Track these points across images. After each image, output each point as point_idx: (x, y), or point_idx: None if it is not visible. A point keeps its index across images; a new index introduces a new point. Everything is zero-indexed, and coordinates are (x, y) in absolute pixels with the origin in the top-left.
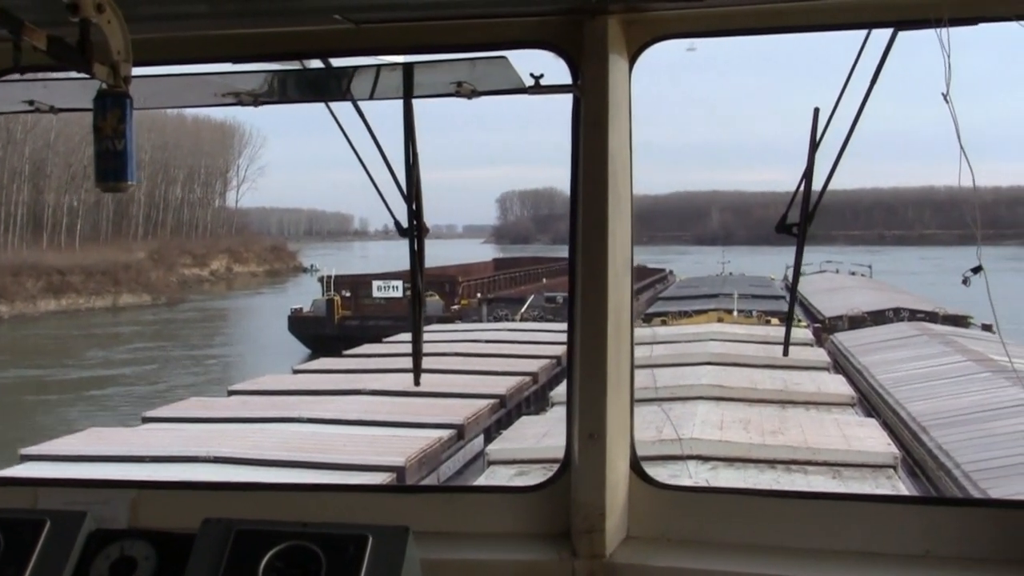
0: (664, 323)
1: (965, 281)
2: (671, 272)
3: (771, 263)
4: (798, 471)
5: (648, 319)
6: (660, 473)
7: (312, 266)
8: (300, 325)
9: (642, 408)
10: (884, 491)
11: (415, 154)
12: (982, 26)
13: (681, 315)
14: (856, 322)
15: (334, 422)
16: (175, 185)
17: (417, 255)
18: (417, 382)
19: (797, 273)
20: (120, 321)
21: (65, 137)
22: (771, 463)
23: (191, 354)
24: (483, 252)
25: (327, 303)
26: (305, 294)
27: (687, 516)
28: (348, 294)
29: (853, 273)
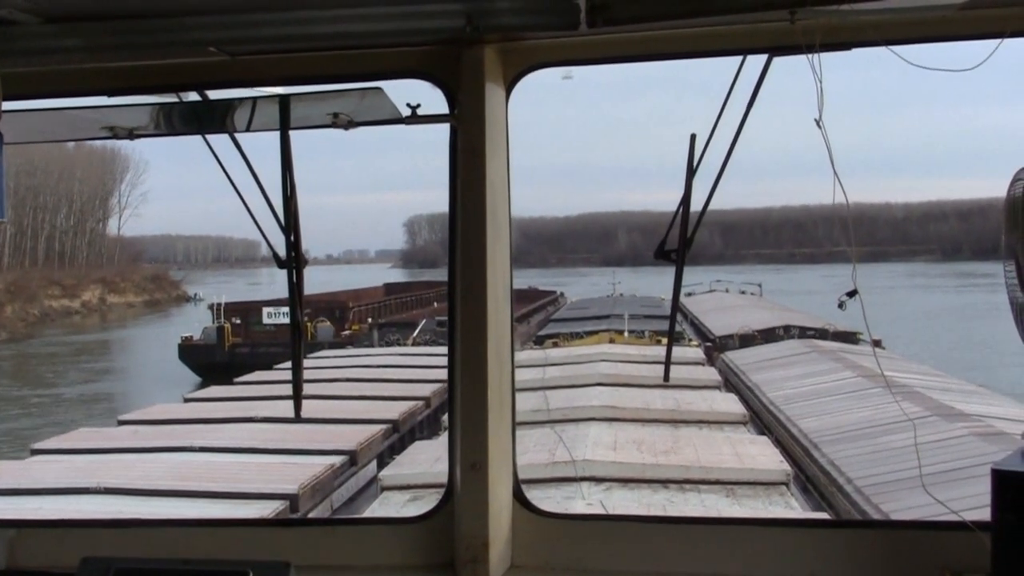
0: (556, 345)
1: (841, 305)
2: (562, 294)
3: (687, 283)
4: (692, 490)
5: (540, 341)
6: (554, 495)
7: (196, 295)
8: (190, 353)
9: (535, 431)
10: (777, 508)
11: (293, 186)
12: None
13: (573, 336)
14: (746, 340)
15: (226, 450)
16: (45, 212)
17: (296, 286)
18: (298, 414)
19: (676, 298)
20: None
21: None
22: (665, 483)
23: (38, 393)
24: (391, 276)
25: (217, 330)
26: (185, 325)
27: (571, 544)
28: (238, 321)
29: (743, 292)
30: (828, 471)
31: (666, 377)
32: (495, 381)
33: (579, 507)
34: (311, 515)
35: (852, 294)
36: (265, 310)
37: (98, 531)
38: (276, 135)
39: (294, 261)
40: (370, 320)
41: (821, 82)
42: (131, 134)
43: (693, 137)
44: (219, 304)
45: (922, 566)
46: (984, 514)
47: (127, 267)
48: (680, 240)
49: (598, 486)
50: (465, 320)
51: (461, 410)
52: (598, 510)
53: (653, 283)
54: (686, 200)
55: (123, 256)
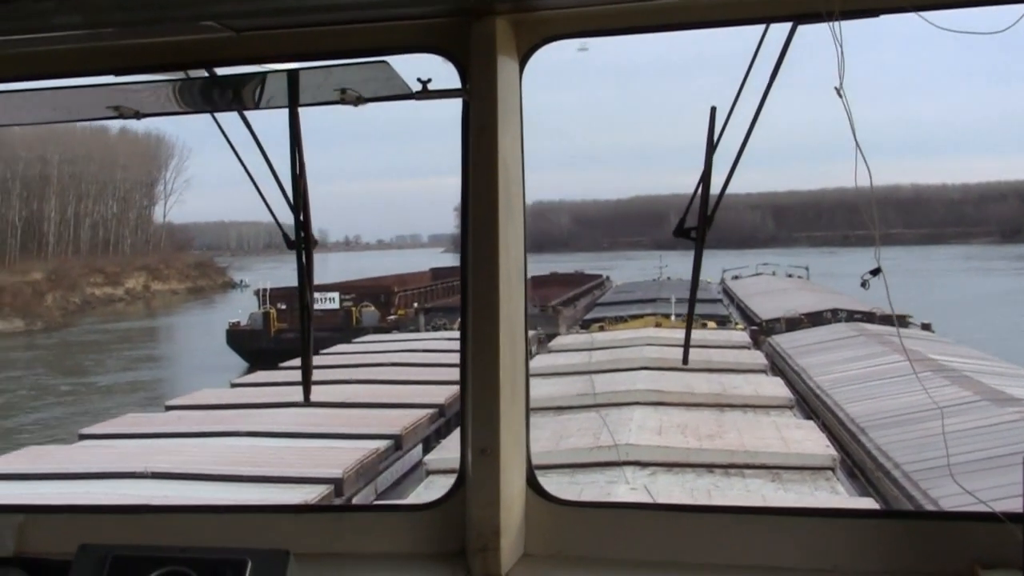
0: (602, 329)
1: (864, 284)
2: (608, 278)
3: (729, 266)
4: (736, 475)
5: (586, 325)
6: (598, 479)
7: (242, 281)
8: (237, 339)
9: (579, 414)
10: (823, 493)
11: (302, 165)
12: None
13: (618, 320)
14: (793, 324)
15: (272, 435)
16: (88, 200)
17: (305, 268)
18: (307, 398)
19: (696, 277)
20: None
21: None
22: (709, 467)
23: (72, 382)
24: (442, 261)
25: (263, 316)
26: (231, 311)
27: (585, 532)
28: (284, 307)
29: (790, 275)
30: (875, 456)
31: (684, 360)
32: (508, 366)
33: (622, 491)
34: (355, 499)
35: (875, 272)
36: None
37: (105, 516)
38: (303, 115)
39: (303, 242)
40: (416, 305)
41: (842, 50)
42: (137, 114)
43: (713, 111)
44: (265, 290)
45: (951, 558)
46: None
47: (172, 254)
48: (700, 218)
49: (642, 471)
50: (477, 303)
51: (473, 395)
52: (642, 495)
53: (705, 267)
54: (706, 177)
55: (171, 243)
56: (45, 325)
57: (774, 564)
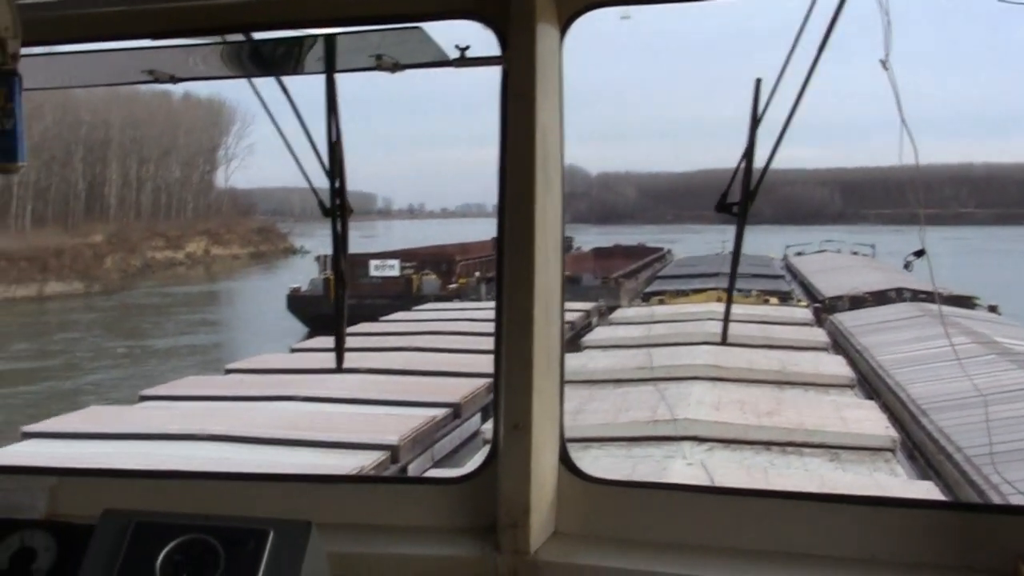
0: (662, 302)
1: (907, 266)
2: (669, 251)
3: (793, 242)
4: (794, 453)
5: (646, 298)
6: (654, 454)
7: (303, 247)
8: (298, 304)
9: (637, 388)
10: (882, 474)
11: (339, 131)
12: None
13: (679, 294)
14: (857, 302)
15: (330, 400)
16: (149, 164)
17: (340, 236)
18: (340, 366)
19: (737, 253)
20: (45, 310)
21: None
22: (767, 445)
23: (129, 344)
24: None
25: (323, 282)
26: (291, 277)
27: (618, 512)
28: None
29: (855, 253)
30: (936, 439)
31: (724, 338)
32: (542, 339)
33: (679, 466)
34: (411, 467)
35: (920, 254)
36: (372, 262)
37: (135, 481)
38: (347, 81)
39: (339, 209)
40: (477, 274)
41: (888, 18)
42: (173, 78)
43: (758, 83)
44: (326, 256)
45: (995, 553)
46: None
47: (233, 219)
48: (742, 193)
49: (699, 446)
50: (511, 275)
51: (506, 369)
52: (698, 470)
53: (772, 242)
54: (749, 151)
55: (234, 208)
56: (103, 287)
57: (809, 552)
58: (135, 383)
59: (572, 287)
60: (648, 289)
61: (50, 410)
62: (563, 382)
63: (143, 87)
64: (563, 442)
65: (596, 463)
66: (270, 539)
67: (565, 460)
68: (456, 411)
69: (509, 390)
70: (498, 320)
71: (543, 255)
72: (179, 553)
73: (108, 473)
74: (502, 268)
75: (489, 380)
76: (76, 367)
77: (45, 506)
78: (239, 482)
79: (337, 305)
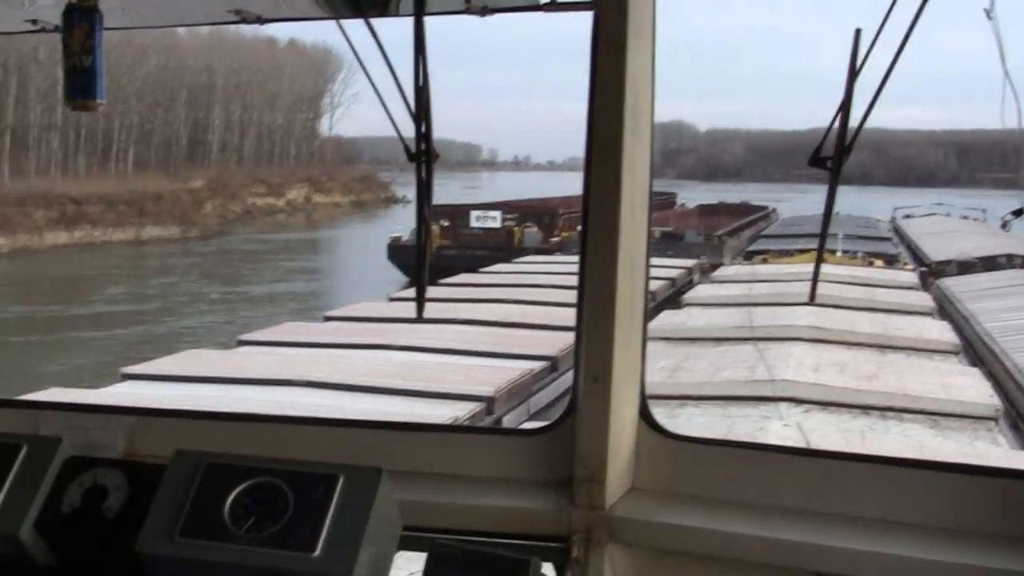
0: (765, 261)
1: (1005, 225)
2: (774, 210)
3: (903, 204)
4: (893, 418)
5: (749, 257)
6: (751, 414)
7: (404, 196)
8: (399, 253)
9: (736, 347)
10: (983, 443)
11: (426, 75)
12: None
13: (783, 254)
14: (965, 267)
15: (427, 350)
16: (253, 110)
17: (425, 182)
18: (420, 315)
19: (829, 210)
20: (142, 255)
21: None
22: (866, 409)
23: (224, 290)
24: None
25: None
26: (392, 226)
27: (697, 469)
28: (447, 223)
29: (964, 217)
30: None
31: (812, 297)
32: (625, 292)
33: (775, 428)
34: (506, 419)
35: (1018, 213)
36: (473, 213)
37: (210, 423)
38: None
39: (424, 155)
40: (580, 227)
41: None
42: (259, 19)
43: (857, 33)
44: None
45: None
46: None
47: (336, 167)
48: (837, 148)
49: (797, 408)
50: (596, 226)
51: (587, 321)
52: (794, 432)
53: (882, 204)
54: (846, 105)
55: (338, 156)
56: (201, 233)
57: (892, 518)
58: (228, 329)
59: (675, 243)
60: (751, 248)
61: (142, 354)
62: (645, 337)
63: (247, 33)
64: (643, 397)
65: (692, 421)
66: (339, 484)
67: (645, 415)
68: (553, 364)
69: (589, 342)
70: (581, 272)
71: (629, 207)
72: (248, 496)
73: (187, 414)
74: (587, 218)
75: None
76: (171, 312)
77: (124, 445)
78: (313, 427)
79: (419, 253)
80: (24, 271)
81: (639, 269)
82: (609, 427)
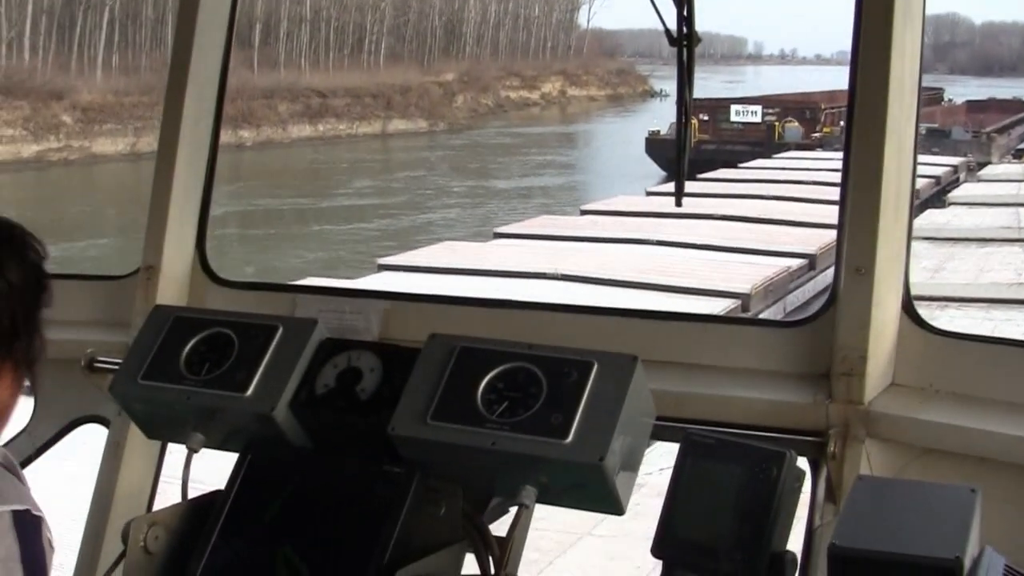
0: None
1: None
2: None
3: None
4: None
5: (1019, 155)
6: (1015, 317)
7: (662, 90)
8: (656, 147)
9: (1002, 249)
10: None
11: None
12: None
13: None
14: None
15: (683, 245)
16: (509, 1)
17: (687, 67)
18: (679, 203)
19: None
20: (388, 148)
21: None
22: None
23: (469, 185)
24: None
25: None
26: (649, 121)
27: (962, 367)
28: (706, 118)
29: None
30: None
31: None
32: (891, 182)
33: None
34: (762, 316)
35: None
36: (733, 107)
37: (461, 308)
38: None
39: (686, 38)
40: (843, 123)
41: None
42: None
43: None
44: None
45: None
46: None
47: (592, 59)
48: None
49: None
50: (862, 112)
51: (851, 210)
52: None
53: None
54: None
55: (598, 49)
56: (449, 126)
57: None
58: (468, 224)
59: (941, 140)
60: (1021, 146)
61: (383, 248)
62: (911, 232)
63: None
64: (907, 290)
65: (952, 323)
66: (594, 371)
67: (908, 309)
68: (812, 262)
69: (853, 232)
70: (845, 164)
71: (898, 93)
72: (500, 380)
73: (440, 299)
74: (852, 105)
75: None
76: (413, 206)
77: (377, 329)
78: (566, 314)
79: (679, 140)
80: (271, 164)
81: (906, 159)
82: (871, 320)
